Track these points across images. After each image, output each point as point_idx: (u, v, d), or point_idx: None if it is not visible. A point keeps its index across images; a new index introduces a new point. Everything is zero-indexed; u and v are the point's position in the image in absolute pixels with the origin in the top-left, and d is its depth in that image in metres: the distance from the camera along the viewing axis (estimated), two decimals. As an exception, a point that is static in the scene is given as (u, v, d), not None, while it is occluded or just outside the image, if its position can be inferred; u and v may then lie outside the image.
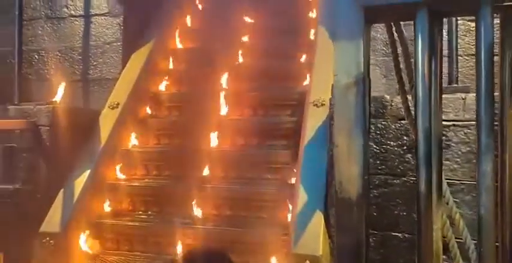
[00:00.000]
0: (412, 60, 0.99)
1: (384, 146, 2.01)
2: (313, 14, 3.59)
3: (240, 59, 3.49)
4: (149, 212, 2.83)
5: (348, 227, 0.97)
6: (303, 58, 3.33)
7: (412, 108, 1.37)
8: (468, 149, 1.89)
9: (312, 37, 3.40)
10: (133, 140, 3.15)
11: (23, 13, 3.65)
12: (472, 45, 2.76)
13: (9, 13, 3.76)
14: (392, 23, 1.16)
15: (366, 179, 0.98)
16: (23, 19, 3.65)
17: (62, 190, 2.69)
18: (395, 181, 1.99)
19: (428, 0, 0.92)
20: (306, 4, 3.73)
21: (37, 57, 3.85)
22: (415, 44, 0.94)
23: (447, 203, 1.23)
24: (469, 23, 2.72)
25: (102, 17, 3.68)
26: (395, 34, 1.23)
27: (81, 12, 3.75)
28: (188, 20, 3.99)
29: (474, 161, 1.84)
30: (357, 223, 0.96)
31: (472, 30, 2.75)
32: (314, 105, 2.63)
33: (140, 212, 2.84)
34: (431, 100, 0.93)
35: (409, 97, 1.36)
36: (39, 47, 3.85)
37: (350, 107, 0.96)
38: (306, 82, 3.08)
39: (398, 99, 1.98)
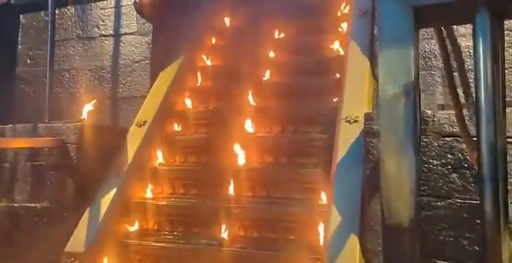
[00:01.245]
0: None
1: (425, 165, 1.86)
2: (343, 29, 3.50)
3: (268, 76, 3.42)
4: (175, 233, 2.74)
5: (399, 260, 0.83)
6: (333, 73, 3.23)
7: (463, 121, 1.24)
8: (525, 168, 1.72)
9: (342, 52, 3.31)
10: (160, 158, 3.10)
11: (56, 34, 3.75)
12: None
13: (42, 34, 3.89)
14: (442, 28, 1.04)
15: (419, 202, 0.86)
16: (56, 40, 3.75)
17: (88, 209, 2.65)
18: (439, 203, 1.83)
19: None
20: (335, 18, 3.66)
21: (68, 76, 3.92)
22: (474, 50, 0.82)
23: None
24: (513, 33, 2.56)
25: (131, 36, 3.73)
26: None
27: (111, 32, 3.81)
28: (216, 37, 3.98)
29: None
30: (410, 254, 0.82)
31: (516, 42, 2.59)
32: (346, 121, 2.52)
33: (166, 232, 2.76)
34: (496, 112, 0.81)
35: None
36: (70, 67, 3.93)
37: (399, 119, 0.85)
38: (336, 98, 2.97)
39: (440, 114, 1.84)
